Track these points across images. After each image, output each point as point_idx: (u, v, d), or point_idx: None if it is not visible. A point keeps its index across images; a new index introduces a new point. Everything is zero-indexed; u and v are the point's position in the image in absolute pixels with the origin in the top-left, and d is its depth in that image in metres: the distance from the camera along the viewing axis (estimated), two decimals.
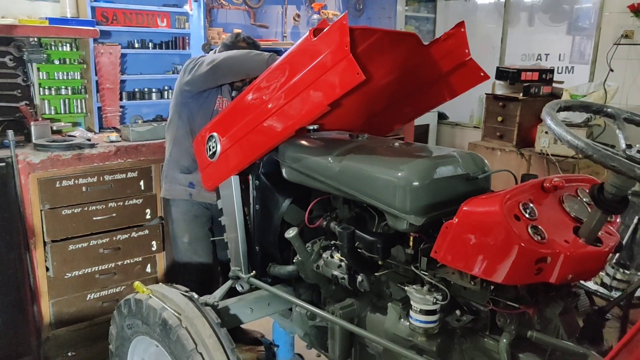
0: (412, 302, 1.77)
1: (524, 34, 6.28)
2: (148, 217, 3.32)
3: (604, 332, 1.65)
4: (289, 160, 2.21)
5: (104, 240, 3.18)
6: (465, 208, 1.58)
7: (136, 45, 5.54)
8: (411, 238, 1.84)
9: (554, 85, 4.69)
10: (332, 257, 2.12)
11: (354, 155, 2.03)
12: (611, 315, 1.67)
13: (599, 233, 1.58)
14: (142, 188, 3.27)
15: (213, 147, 2.37)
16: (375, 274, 1.99)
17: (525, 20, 6.43)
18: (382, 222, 2.01)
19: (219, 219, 2.57)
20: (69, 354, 3.20)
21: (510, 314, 1.65)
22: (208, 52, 5.49)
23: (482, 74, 2.29)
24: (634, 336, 1.09)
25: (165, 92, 5.82)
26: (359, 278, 2.02)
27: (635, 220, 3.53)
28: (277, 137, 2.10)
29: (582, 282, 1.80)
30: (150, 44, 5.64)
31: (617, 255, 3.15)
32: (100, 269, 3.21)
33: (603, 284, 2.11)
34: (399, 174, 1.82)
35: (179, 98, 2.96)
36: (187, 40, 5.76)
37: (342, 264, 2.06)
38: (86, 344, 3.25)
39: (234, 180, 2.37)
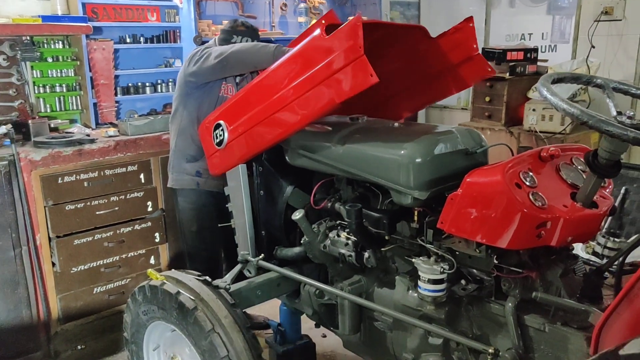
0: (420, 273, 1.86)
1: (506, 15, 6.36)
2: (150, 209, 3.36)
3: (602, 290, 1.75)
4: (292, 145, 2.27)
5: (107, 234, 3.23)
6: (469, 179, 1.66)
7: (128, 40, 5.55)
8: (416, 212, 1.93)
9: (539, 63, 4.78)
10: (338, 236, 2.19)
11: (357, 136, 2.10)
12: (607, 274, 1.77)
13: (595, 197, 1.68)
14: (143, 181, 3.32)
15: (220, 135, 2.42)
16: (382, 249, 2.07)
17: (507, 2, 6.52)
18: (386, 199, 2.09)
19: (227, 205, 2.63)
20: (78, 347, 3.25)
21: (515, 279, 1.74)
22: (200, 45, 5.53)
23: (489, 69, 2.32)
24: (631, 287, 1.18)
25: (159, 86, 5.84)
26: (366, 254, 2.10)
27: (622, 191, 3.65)
28: (287, 130, 2.15)
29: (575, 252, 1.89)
30: (141, 38, 5.65)
31: (608, 224, 3.27)
32: (105, 262, 3.25)
33: (595, 253, 2.20)
34: (402, 152, 1.90)
35: (183, 89, 2.99)
36: (178, 34, 5.78)
37: (349, 242, 2.14)
38: (95, 337, 3.30)
39: (242, 168, 2.43)
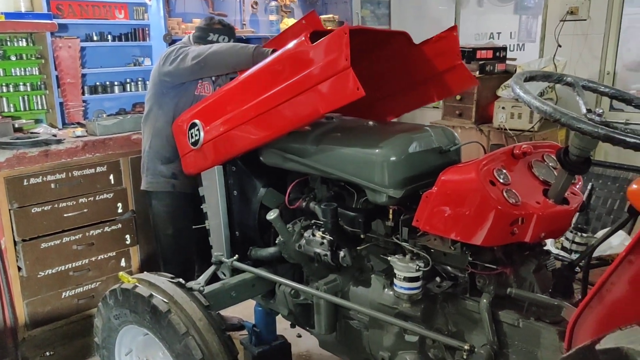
0: (395, 271, 1.86)
1: (475, 14, 6.45)
2: (120, 211, 3.29)
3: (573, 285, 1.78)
4: (266, 145, 2.25)
5: (76, 237, 3.15)
6: (443, 177, 1.67)
7: (95, 38, 5.43)
8: (391, 211, 1.93)
9: (508, 62, 4.86)
10: (313, 235, 2.19)
11: (331, 135, 2.10)
12: (578, 269, 1.80)
13: (566, 194, 1.71)
14: (112, 182, 3.24)
15: (195, 135, 2.38)
16: (357, 248, 2.07)
17: (475, 1, 6.61)
18: (361, 198, 2.09)
19: (201, 206, 2.59)
20: (47, 353, 3.16)
21: (489, 276, 1.76)
22: (170, 43, 5.46)
23: (471, 79, 2.31)
24: (604, 282, 1.20)
25: (128, 85, 5.73)
26: (342, 253, 2.09)
27: (589, 187, 3.74)
28: (267, 136, 2.13)
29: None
30: (109, 36, 5.53)
31: (575, 219, 3.35)
32: (74, 265, 3.17)
33: (564, 248, 2.24)
34: (377, 151, 1.91)
35: (157, 88, 2.92)
36: (147, 32, 5.67)
37: (324, 241, 2.13)
38: (64, 343, 3.22)
39: (218, 169, 2.40)
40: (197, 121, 2.39)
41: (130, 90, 5.75)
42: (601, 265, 2.01)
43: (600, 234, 2.12)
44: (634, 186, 1.05)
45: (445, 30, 2.24)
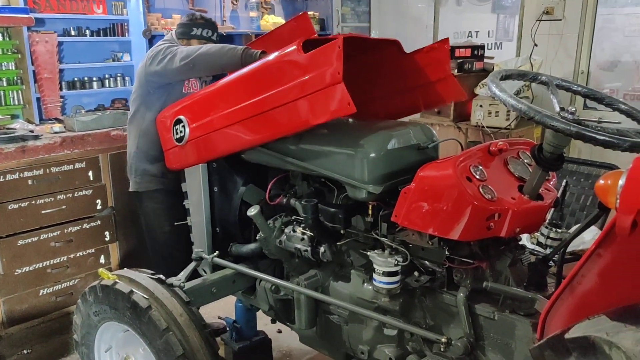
0: (374, 266, 1.89)
1: (453, 13, 6.52)
2: (99, 207, 3.27)
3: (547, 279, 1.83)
4: None
5: (54, 234, 3.12)
6: (421, 174, 1.70)
7: (72, 33, 5.34)
8: (370, 206, 1.96)
9: (485, 60, 4.93)
10: (294, 231, 2.21)
11: (312, 132, 2.11)
12: (552, 262, 1.86)
13: (540, 189, 1.76)
14: (91, 178, 3.22)
15: (181, 132, 2.38)
16: (337, 243, 2.09)
17: (454, 0, 6.69)
18: (341, 194, 2.11)
19: (183, 203, 2.59)
20: (25, 351, 3.13)
21: (466, 270, 1.80)
22: (150, 39, 5.41)
23: (459, 93, 2.30)
24: (574, 275, 1.25)
25: (107, 81, 5.66)
26: (322, 249, 2.12)
27: (563, 184, 3.83)
28: (255, 140, 2.14)
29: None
30: (87, 31, 5.46)
31: (550, 215, 3.43)
32: (52, 263, 3.14)
33: (539, 243, 2.30)
34: (357, 147, 1.93)
35: (144, 88, 2.88)
36: (125, 27, 5.61)
37: (305, 237, 2.15)
38: (41, 341, 3.19)
39: (202, 168, 2.41)
40: (182, 117, 2.38)
41: (109, 86, 5.67)
42: (574, 260, 2.06)
43: (574, 229, 2.18)
44: (601, 182, 1.09)
45: (438, 41, 2.24)
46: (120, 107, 5.39)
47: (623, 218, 1.00)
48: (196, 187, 2.46)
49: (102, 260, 3.35)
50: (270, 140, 2.10)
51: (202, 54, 2.66)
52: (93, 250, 3.30)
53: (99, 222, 3.28)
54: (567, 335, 0.99)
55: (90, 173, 3.21)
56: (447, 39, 2.25)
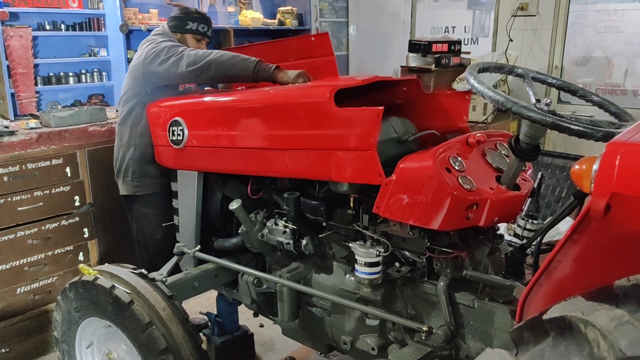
0: (356, 257, 1.92)
1: (430, 9, 6.58)
2: (77, 204, 3.23)
3: (524, 267, 1.88)
4: None
5: (31, 231, 3.07)
6: (402, 165, 1.73)
7: (47, 27, 5.24)
8: (352, 199, 1.98)
9: (462, 55, 4.99)
10: (276, 224, 2.22)
11: None
12: (529, 252, 1.90)
13: (517, 180, 1.80)
14: (69, 175, 3.18)
15: (178, 135, 2.36)
16: (320, 236, 2.11)
17: None
18: (322, 187, 2.13)
19: (172, 203, 2.58)
20: (3, 350, 3.08)
21: (446, 259, 1.84)
22: (127, 34, 5.34)
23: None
24: (550, 261, 1.28)
25: (83, 76, 5.57)
26: (304, 241, 2.14)
27: (539, 176, 3.91)
28: (265, 171, 2.15)
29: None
30: (62, 25, 5.35)
31: (527, 207, 3.51)
32: (29, 260, 3.10)
33: (516, 235, 2.35)
34: None
35: (141, 87, 2.74)
36: (102, 21, 5.52)
37: (287, 229, 2.17)
38: (20, 339, 3.15)
39: (198, 175, 2.42)
40: (180, 120, 2.35)
41: (86, 82, 5.59)
42: (550, 250, 2.12)
43: (549, 220, 2.23)
44: (576, 166, 1.13)
45: (461, 91, 2.20)
46: (97, 103, 5.32)
47: (597, 201, 1.04)
48: (189, 190, 2.47)
49: (80, 257, 3.31)
50: (282, 177, 2.08)
51: (212, 61, 2.50)
52: (71, 248, 3.26)
53: (77, 218, 3.24)
54: (544, 317, 1.02)
55: (67, 169, 3.17)
56: (469, 92, 2.14)
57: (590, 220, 1.11)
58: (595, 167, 1.06)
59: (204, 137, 2.30)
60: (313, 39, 2.75)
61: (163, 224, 2.70)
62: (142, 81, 2.72)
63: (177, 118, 2.38)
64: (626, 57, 5.04)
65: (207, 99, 2.47)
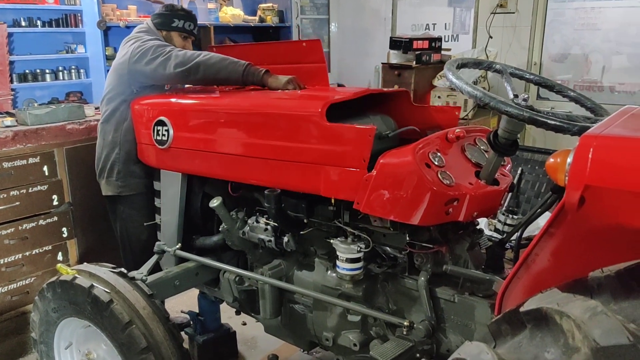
0: (338, 253, 1.92)
1: (411, 6, 6.61)
2: (55, 203, 3.18)
3: (504, 261, 1.90)
4: None
5: (8, 231, 3.02)
6: (382, 161, 1.73)
7: (23, 23, 5.15)
8: None
9: (443, 52, 5.03)
10: (257, 221, 2.21)
11: None
12: (508, 246, 1.92)
13: (496, 175, 1.81)
14: (47, 174, 3.13)
15: (163, 135, 2.33)
16: (301, 232, 2.11)
17: None
18: None
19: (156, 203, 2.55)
20: None
21: (426, 254, 1.85)
22: (104, 30, 5.26)
23: None
24: (528, 254, 1.30)
25: (60, 73, 5.48)
26: (285, 239, 2.13)
27: (519, 172, 3.96)
28: (251, 179, 2.13)
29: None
30: (38, 22, 5.26)
31: (507, 202, 3.55)
32: (6, 261, 3.04)
33: (496, 230, 2.38)
34: None
35: (126, 86, 2.68)
36: (79, 18, 5.43)
37: (268, 227, 2.16)
38: None
39: (182, 177, 2.40)
40: (166, 120, 2.33)
41: (63, 79, 5.49)
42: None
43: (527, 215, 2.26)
44: (551, 160, 1.14)
45: (449, 106, 2.20)
46: (75, 101, 5.24)
47: (571, 194, 1.05)
48: (172, 190, 2.46)
49: (59, 257, 3.26)
50: (268, 185, 2.07)
51: (200, 63, 2.47)
52: (50, 247, 3.21)
53: (55, 218, 3.19)
54: (521, 309, 1.03)
55: (45, 168, 3.12)
56: (458, 107, 2.24)
57: (566, 213, 1.12)
58: (569, 160, 1.07)
59: (190, 140, 2.28)
60: (304, 44, 2.73)
61: (145, 223, 2.67)
62: (127, 80, 2.67)
63: (162, 117, 2.35)
64: (603, 54, 5.12)
65: (195, 100, 2.44)
